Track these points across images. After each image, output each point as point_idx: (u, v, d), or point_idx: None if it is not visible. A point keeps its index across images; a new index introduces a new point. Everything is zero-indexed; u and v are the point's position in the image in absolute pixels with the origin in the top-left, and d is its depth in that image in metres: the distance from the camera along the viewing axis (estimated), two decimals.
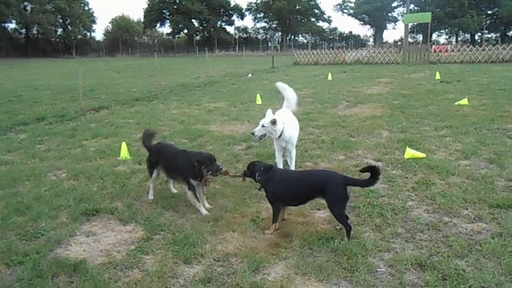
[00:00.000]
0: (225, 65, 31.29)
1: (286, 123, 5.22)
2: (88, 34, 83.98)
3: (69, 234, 4.09)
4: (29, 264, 3.52)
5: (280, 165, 5.52)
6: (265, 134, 5.12)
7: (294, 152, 5.47)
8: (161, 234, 4.04)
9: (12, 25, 71.87)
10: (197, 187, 4.53)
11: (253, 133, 5.14)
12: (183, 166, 4.47)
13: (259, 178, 4.12)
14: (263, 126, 5.07)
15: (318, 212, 4.42)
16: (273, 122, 5.05)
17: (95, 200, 4.89)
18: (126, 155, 6.66)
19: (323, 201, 3.87)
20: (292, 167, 5.47)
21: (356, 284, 3.11)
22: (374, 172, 3.64)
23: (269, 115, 5.20)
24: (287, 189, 3.94)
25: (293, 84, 17.23)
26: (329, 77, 19.05)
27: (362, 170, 3.84)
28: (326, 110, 10.66)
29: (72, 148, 7.44)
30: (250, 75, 22.20)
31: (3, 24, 68.35)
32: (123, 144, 6.83)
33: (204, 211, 4.48)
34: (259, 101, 12.20)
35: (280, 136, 5.15)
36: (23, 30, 73.83)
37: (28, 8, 70.65)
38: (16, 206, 4.71)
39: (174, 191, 5.12)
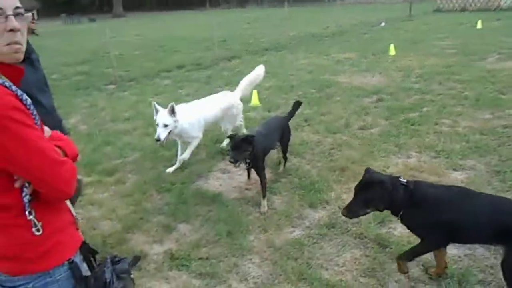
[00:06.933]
0: (356, 14, 29.49)
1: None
2: None
3: (208, 169, 4.57)
4: (175, 192, 4.08)
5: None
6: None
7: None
8: (287, 178, 4.24)
9: None
10: None
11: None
12: None
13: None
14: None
15: (455, 173, 4.08)
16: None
17: None
18: (257, 103, 6.98)
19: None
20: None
21: None
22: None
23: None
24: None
25: (432, 33, 15.62)
26: (479, 25, 16.56)
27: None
28: (472, 63, 9.40)
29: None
30: (383, 23, 20.62)
31: None
32: (254, 92, 7.13)
33: None
34: (392, 52, 11.33)
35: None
36: None
37: None
38: None
39: None
